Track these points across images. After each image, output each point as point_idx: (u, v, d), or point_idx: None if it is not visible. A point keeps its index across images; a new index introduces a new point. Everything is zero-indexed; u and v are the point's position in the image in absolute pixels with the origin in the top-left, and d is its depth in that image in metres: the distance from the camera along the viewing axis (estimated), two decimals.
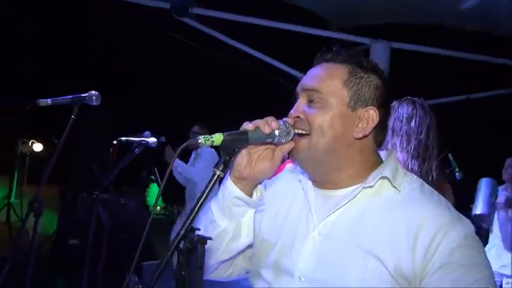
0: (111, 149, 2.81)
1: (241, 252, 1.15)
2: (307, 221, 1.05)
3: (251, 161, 1.05)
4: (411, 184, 1.01)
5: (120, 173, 3.16)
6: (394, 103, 1.99)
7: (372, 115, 1.02)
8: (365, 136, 1.02)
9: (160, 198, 8.38)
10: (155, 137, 3.84)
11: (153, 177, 4.88)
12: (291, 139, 1.03)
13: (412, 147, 1.77)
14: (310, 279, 0.98)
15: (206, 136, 0.93)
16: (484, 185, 3.69)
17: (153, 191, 7.94)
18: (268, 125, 0.99)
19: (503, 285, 3.59)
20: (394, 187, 0.99)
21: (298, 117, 1.04)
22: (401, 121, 1.84)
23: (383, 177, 1.00)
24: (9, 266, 1.71)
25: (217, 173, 0.94)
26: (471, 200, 3.80)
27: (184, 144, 0.92)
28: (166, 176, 1.02)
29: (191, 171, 4.47)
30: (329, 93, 1.01)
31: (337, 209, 1.00)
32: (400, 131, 1.80)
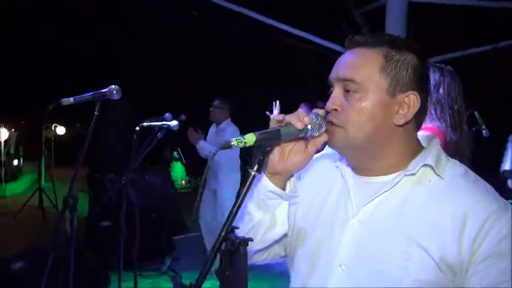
0: (134, 135, 2.82)
1: (277, 241, 1.15)
2: (345, 208, 1.03)
3: (283, 155, 1.03)
4: (455, 171, 0.98)
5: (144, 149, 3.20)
6: None
7: (412, 100, 0.97)
8: (406, 122, 0.98)
9: (184, 172, 8.53)
10: (175, 117, 3.88)
11: (176, 155, 4.92)
12: (324, 131, 1.01)
13: (448, 117, 1.75)
14: (350, 268, 0.97)
15: (238, 138, 0.91)
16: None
17: (177, 168, 8.04)
18: (301, 120, 0.97)
19: None
20: (437, 175, 0.96)
21: (335, 109, 1.00)
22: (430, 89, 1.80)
23: (425, 165, 0.97)
24: (51, 259, 1.76)
25: (252, 173, 0.93)
26: (499, 156, 3.74)
27: (218, 149, 0.91)
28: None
29: (220, 157, 4.52)
30: (366, 82, 0.97)
31: (377, 196, 0.98)
32: (431, 100, 1.76)
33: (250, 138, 0.92)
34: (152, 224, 4.86)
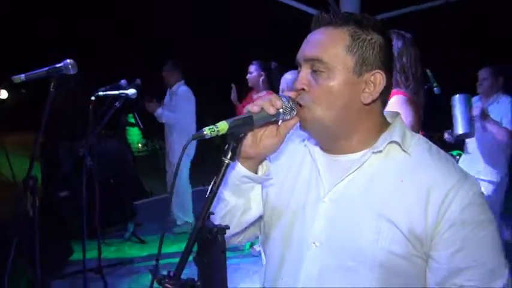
0: (90, 105, 2.71)
1: (252, 223, 1.17)
2: (317, 186, 1.06)
3: (256, 140, 1.03)
4: (419, 146, 1.02)
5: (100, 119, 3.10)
6: None
7: (378, 78, 0.99)
8: (373, 101, 1.00)
9: (140, 135, 8.37)
10: (130, 83, 3.75)
11: (132, 120, 4.80)
12: (296, 114, 1.01)
13: (412, 83, 1.85)
14: (324, 244, 1.01)
15: (211, 127, 0.89)
16: (459, 102, 3.77)
17: (133, 132, 7.87)
18: (273, 105, 0.96)
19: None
20: (404, 151, 1.00)
21: (303, 89, 1.00)
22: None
23: (392, 142, 1.00)
24: (14, 243, 1.72)
25: (226, 161, 0.92)
26: (449, 114, 3.92)
27: (190, 139, 0.89)
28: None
29: (170, 118, 4.54)
30: (333, 61, 0.97)
31: (347, 176, 1.01)
32: (395, 68, 1.85)
33: (222, 126, 0.91)
34: (111, 190, 4.78)
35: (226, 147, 0.93)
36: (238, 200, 1.10)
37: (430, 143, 1.04)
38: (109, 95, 2.84)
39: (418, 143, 1.03)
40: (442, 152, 1.03)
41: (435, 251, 0.94)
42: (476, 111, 3.60)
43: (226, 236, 0.98)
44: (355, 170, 1.01)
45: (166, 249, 4.25)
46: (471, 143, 3.83)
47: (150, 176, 6.26)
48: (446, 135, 4.01)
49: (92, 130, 2.74)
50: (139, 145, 8.78)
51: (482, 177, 3.75)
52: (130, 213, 5.00)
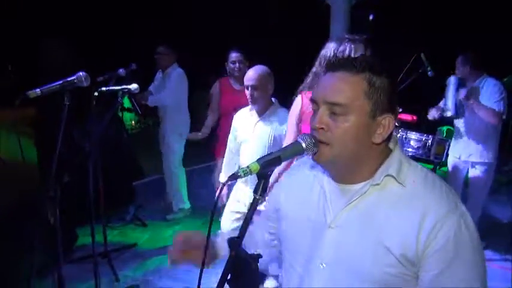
0: (94, 101, 2.76)
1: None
2: (324, 212, 1.17)
3: None
4: (415, 176, 1.12)
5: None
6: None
7: (388, 121, 1.09)
8: (383, 141, 1.11)
9: (133, 114, 8.33)
10: (126, 68, 3.77)
11: (129, 105, 4.82)
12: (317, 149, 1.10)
13: None
14: (331, 266, 1.14)
15: (243, 168, 0.99)
16: (451, 84, 3.89)
17: (127, 115, 7.84)
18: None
19: (470, 172, 4.00)
20: (399, 183, 1.10)
21: (322, 128, 1.09)
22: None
23: (388, 175, 1.11)
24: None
25: (257, 197, 1.02)
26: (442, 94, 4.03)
27: (227, 181, 0.99)
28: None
29: (163, 99, 4.55)
30: (351, 107, 1.06)
31: (349, 204, 1.12)
32: None
33: (254, 167, 1.00)
34: (110, 172, 4.84)
35: (256, 184, 1.03)
36: None
37: (426, 170, 1.15)
38: (112, 91, 2.87)
39: (414, 172, 1.13)
40: (437, 180, 1.13)
41: (422, 271, 1.07)
42: (461, 94, 3.72)
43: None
44: (355, 200, 1.12)
45: (163, 234, 4.39)
46: (461, 127, 3.96)
47: (144, 155, 6.30)
48: (429, 114, 4.11)
49: (98, 126, 2.79)
50: (133, 122, 8.78)
51: (473, 160, 3.91)
52: (130, 195, 5.09)
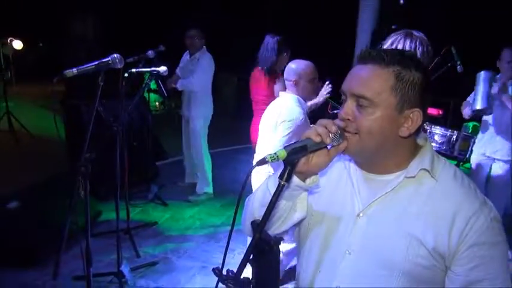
0: (123, 82, 2.83)
1: (295, 224, 1.32)
2: (352, 202, 1.18)
3: (308, 159, 1.13)
4: (446, 171, 1.14)
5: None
6: (390, 39, 2.07)
7: (416, 115, 1.09)
8: (410, 134, 1.12)
9: (157, 95, 8.44)
10: (154, 50, 3.83)
11: (155, 87, 4.89)
12: (344, 139, 1.12)
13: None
14: (357, 253, 1.16)
15: (271, 154, 1.02)
16: (482, 79, 3.80)
17: (152, 97, 7.93)
18: (330, 137, 1.08)
19: (493, 168, 3.94)
20: (432, 177, 1.12)
21: (348, 119, 1.11)
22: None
23: (423, 169, 1.12)
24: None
25: (282, 183, 1.05)
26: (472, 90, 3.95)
27: (253, 167, 1.03)
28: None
29: (193, 84, 4.58)
30: (378, 100, 1.07)
31: (382, 195, 1.14)
32: None
33: (282, 154, 1.03)
34: (134, 152, 4.95)
35: (282, 170, 1.06)
36: (286, 203, 1.24)
37: (455, 167, 1.17)
38: (141, 72, 2.94)
39: (443, 167, 1.15)
40: (465, 177, 1.15)
41: (455, 266, 1.09)
42: (494, 89, 3.64)
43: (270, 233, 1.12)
44: (390, 191, 1.14)
45: (183, 214, 4.49)
46: (490, 122, 3.89)
47: (167, 136, 6.41)
48: (464, 111, 4.05)
49: (127, 106, 2.86)
50: (157, 103, 8.89)
51: (498, 157, 3.85)
52: (152, 175, 5.21)
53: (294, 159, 1.06)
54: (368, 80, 1.09)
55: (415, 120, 1.10)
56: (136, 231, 3.92)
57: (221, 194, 4.90)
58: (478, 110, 3.61)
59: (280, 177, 1.06)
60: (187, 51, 4.82)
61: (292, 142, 1.08)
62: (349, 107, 1.11)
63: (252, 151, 3.18)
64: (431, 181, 1.13)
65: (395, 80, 1.07)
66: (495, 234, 1.09)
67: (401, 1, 7.90)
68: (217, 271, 1.08)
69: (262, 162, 1.02)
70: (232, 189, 4.89)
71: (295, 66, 2.85)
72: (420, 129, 1.16)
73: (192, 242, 3.91)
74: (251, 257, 1.08)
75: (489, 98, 3.71)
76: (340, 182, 1.24)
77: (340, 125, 1.11)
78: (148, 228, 4.11)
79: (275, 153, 1.03)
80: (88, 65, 1.87)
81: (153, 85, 5.13)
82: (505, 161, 3.83)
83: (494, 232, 1.08)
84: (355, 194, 1.19)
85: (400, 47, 1.98)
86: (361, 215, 1.17)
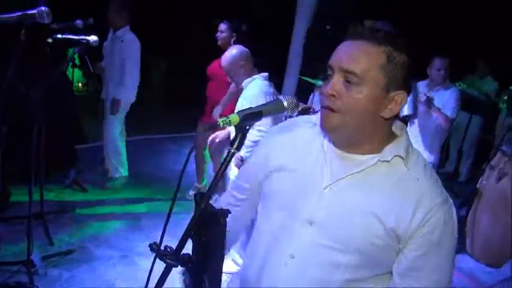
0: (47, 48, 2.56)
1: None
2: (321, 174, 1.15)
3: None
4: (418, 163, 1.15)
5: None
6: None
7: (401, 98, 1.09)
8: (392, 117, 1.11)
9: (80, 74, 7.90)
10: (83, 21, 3.53)
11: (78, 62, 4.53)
12: (324, 116, 1.09)
13: None
14: (317, 225, 1.13)
15: (224, 118, 0.94)
16: (419, 89, 4.09)
17: (75, 75, 7.40)
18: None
19: None
20: (405, 165, 1.13)
21: (334, 95, 1.07)
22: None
23: (398, 156, 1.12)
24: None
25: (232, 151, 0.98)
26: None
27: (202, 129, 0.93)
28: None
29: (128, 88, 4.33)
30: (366, 77, 1.04)
31: (354, 173, 1.12)
32: None
33: (234, 118, 0.96)
34: (52, 132, 4.56)
35: (233, 137, 0.98)
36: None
37: (426, 162, 1.18)
38: (68, 39, 2.68)
39: (416, 160, 1.16)
40: (434, 173, 1.18)
41: (407, 249, 1.11)
42: (422, 98, 3.92)
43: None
44: (362, 171, 1.12)
45: (103, 200, 4.25)
46: (413, 128, 4.15)
47: (88, 119, 6.02)
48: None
49: (48, 76, 2.59)
50: (80, 84, 8.35)
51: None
52: (71, 159, 4.84)
53: (245, 126, 0.99)
54: (359, 56, 1.06)
55: (399, 102, 1.09)
56: (51, 218, 3.59)
57: (146, 182, 4.70)
58: (405, 115, 3.87)
59: (231, 144, 0.98)
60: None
61: (247, 107, 1.01)
62: (336, 83, 1.08)
63: (179, 141, 3.05)
64: (403, 168, 1.13)
65: (386, 60, 1.06)
66: (448, 231, 1.12)
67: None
68: (154, 246, 0.98)
69: (214, 126, 0.93)
70: (158, 177, 4.71)
71: None
72: (399, 114, 1.15)
73: (112, 230, 3.68)
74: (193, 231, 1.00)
75: (415, 105, 3.97)
76: (310, 151, 1.20)
77: (323, 103, 1.07)
78: (64, 215, 3.79)
79: (227, 118, 0.95)
80: (9, 15, 1.62)
81: (77, 61, 4.74)
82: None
83: (448, 228, 1.11)
84: (326, 167, 1.16)
85: None
86: (328, 188, 1.14)
